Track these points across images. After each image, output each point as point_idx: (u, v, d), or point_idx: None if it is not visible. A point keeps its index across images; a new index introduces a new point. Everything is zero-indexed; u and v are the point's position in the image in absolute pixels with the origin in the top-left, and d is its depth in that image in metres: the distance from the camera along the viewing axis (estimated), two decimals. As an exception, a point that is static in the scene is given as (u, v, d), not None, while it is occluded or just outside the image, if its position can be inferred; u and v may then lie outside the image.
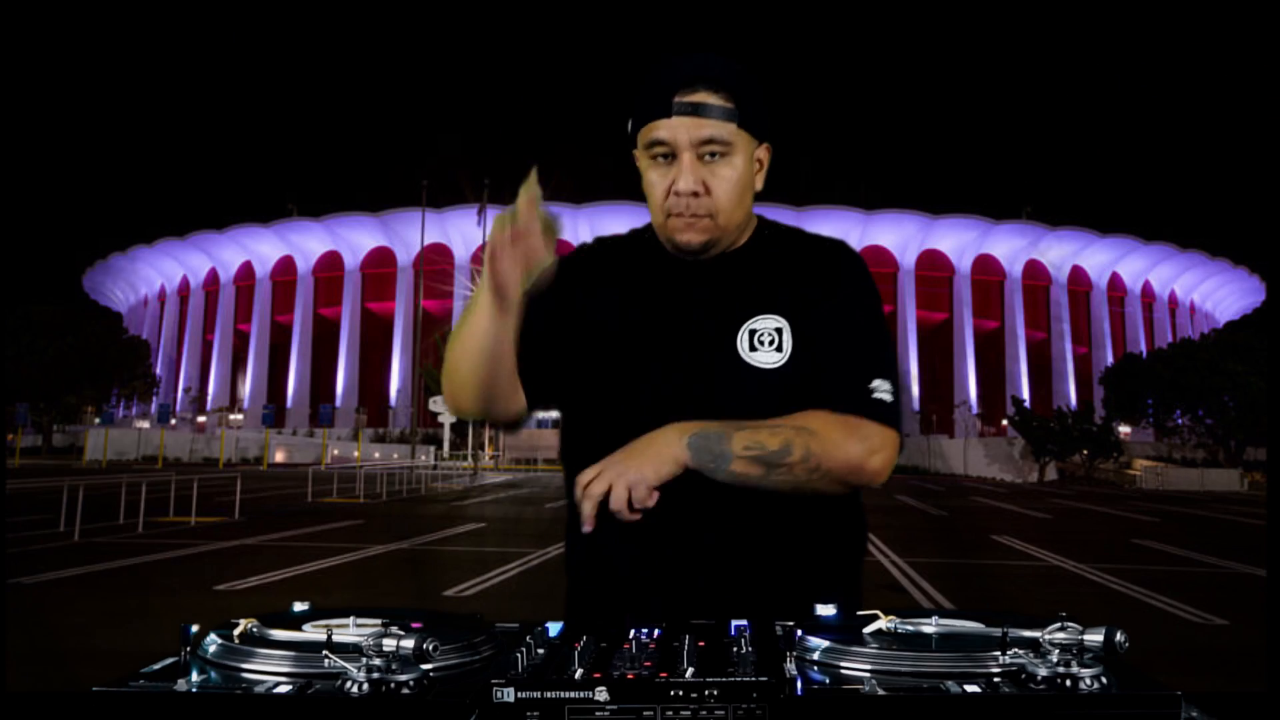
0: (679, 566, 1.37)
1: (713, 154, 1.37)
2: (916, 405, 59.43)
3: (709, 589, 1.36)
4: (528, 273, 1.29)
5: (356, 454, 42.21)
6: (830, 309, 1.41)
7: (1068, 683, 0.85)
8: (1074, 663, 0.86)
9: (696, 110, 1.36)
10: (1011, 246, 62.42)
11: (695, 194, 1.37)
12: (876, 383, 1.36)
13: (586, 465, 1.35)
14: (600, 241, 1.60)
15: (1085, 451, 44.16)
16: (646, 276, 1.47)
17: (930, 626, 1.03)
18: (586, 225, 58.64)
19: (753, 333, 1.40)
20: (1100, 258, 64.10)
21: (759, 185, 1.48)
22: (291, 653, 0.94)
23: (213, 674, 0.93)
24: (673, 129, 1.36)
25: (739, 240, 1.48)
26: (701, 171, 1.37)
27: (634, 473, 1.23)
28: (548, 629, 1.05)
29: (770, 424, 1.30)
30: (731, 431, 1.28)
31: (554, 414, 1.59)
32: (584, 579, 1.50)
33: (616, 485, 1.21)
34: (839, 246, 1.50)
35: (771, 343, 1.39)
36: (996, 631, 0.96)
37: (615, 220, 59.84)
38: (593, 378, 1.45)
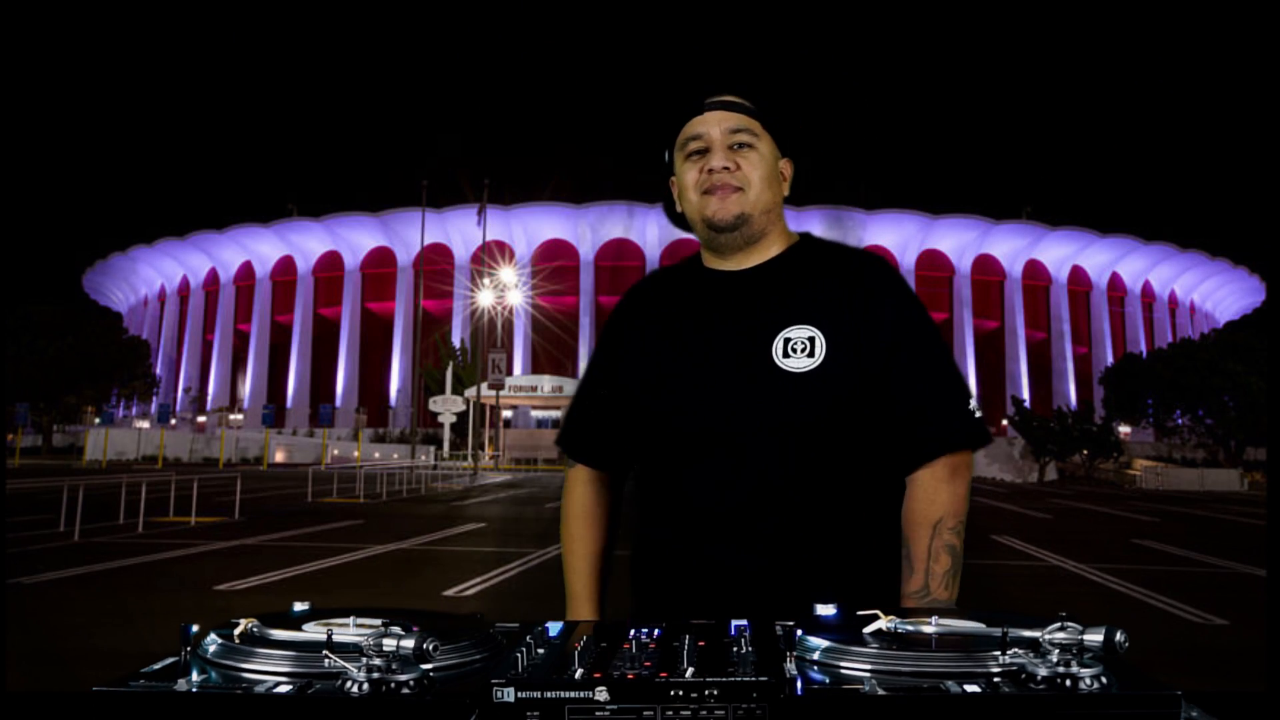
0: (741, 562, 1.45)
1: (741, 144, 1.53)
2: (916, 405, 59.38)
3: (772, 583, 1.43)
4: None
5: (356, 454, 42.21)
6: (896, 331, 1.49)
7: (1068, 683, 0.85)
8: (1074, 663, 0.86)
9: (727, 106, 1.54)
10: (1011, 246, 62.40)
11: (727, 168, 1.51)
12: (972, 404, 1.50)
13: (654, 488, 1.53)
14: (652, 276, 1.73)
15: (1085, 451, 44.15)
16: (687, 297, 1.59)
17: (930, 626, 1.03)
18: (587, 225, 58.65)
19: (786, 341, 1.47)
20: (1100, 258, 64.08)
21: (785, 192, 1.61)
22: (291, 653, 0.94)
23: (213, 674, 0.93)
24: (705, 123, 1.54)
25: (774, 246, 1.58)
26: (732, 154, 1.52)
27: None
28: (548, 629, 1.05)
29: (924, 564, 1.41)
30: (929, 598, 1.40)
31: (554, 414, 1.65)
32: (646, 577, 1.58)
33: None
34: (881, 262, 1.59)
35: (804, 350, 1.46)
36: (996, 631, 0.96)
37: (615, 220, 59.85)
38: (642, 406, 1.55)
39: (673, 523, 1.50)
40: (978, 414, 1.49)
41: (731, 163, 1.51)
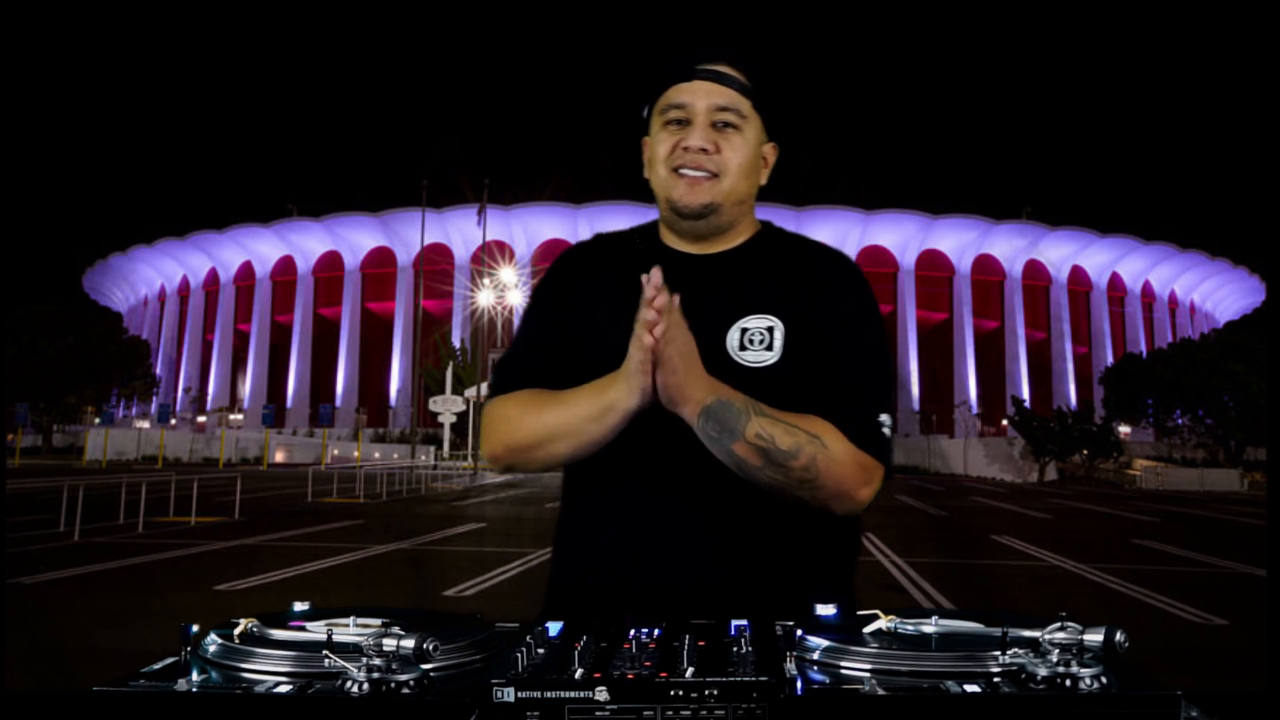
0: (669, 559, 1.35)
1: (726, 123, 1.39)
2: (916, 405, 59.42)
3: (698, 582, 1.34)
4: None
5: (356, 454, 42.21)
6: (841, 324, 1.40)
7: (1068, 683, 0.85)
8: (1074, 663, 0.86)
9: (717, 78, 1.39)
10: (1011, 246, 62.40)
11: (704, 150, 1.38)
12: (884, 417, 1.37)
13: (587, 468, 1.38)
14: (599, 239, 1.58)
15: (1085, 451, 44.16)
16: (641, 271, 1.42)
17: (930, 626, 1.03)
18: (586, 225, 58.60)
19: (743, 331, 1.38)
20: (1100, 258, 64.08)
21: (763, 180, 1.48)
22: (292, 652, 0.94)
23: (213, 674, 0.93)
24: (692, 92, 1.39)
25: (739, 235, 1.48)
26: (712, 134, 1.39)
27: (671, 366, 1.21)
28: (548, 629, 1.05)
29: (788, 420, 1.28)
30: (751, 414, 1.26)
31: None
32: (569, 568, 1.47)
33: (662, 332, 1.19)
34: (845, 259, 1.51)
35: (762, 342, 1.37)
36: (996, 631, 0.96)
37: (615, 220, 59.80)
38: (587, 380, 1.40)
39: (608, 526, 1.40)
40: (887, 430, 1.36)
41: (710, 143, 1.38)
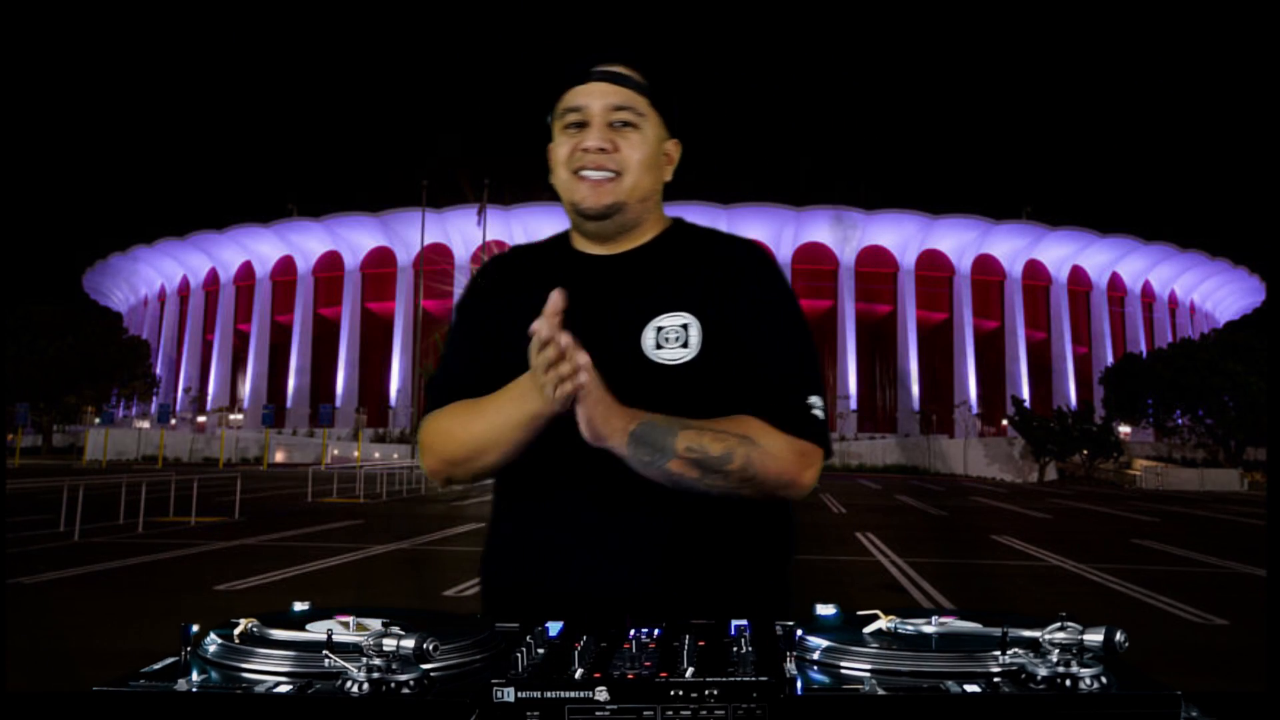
0: (598, 559, 1.35)
1: (624, 122, 1.39)
2: (916, 405, 59.43)
3: (628, 580, 1.33)
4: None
5: (356, 454, 42.21)
6: (755, 312, 1.40)
7: (1068, 683, 0.85)
8: (1074, 663, 0.86)
9: (612, 78, 1.39)
10: (1011, 246, 62.38)
11: (603, 149, 1.37)
12: (813, 399, 1.37)
13: (514, 476, 1.40)
14: (516, 251, 1.58)
15: (1085, 451, 44.16)
16: (554, 278, 1.37)
17: (930, 626, 1.03)
18: (586, 225, 58.45)
19: (659, 330, 1.38)
20: (1100, 258, 64.07)
21: (668, 177, 1.48)
22: (291, 653, 0.94)
23: (213, 674, 0.93)
24: (588, 94, 1.39)
25: (647, 232, 1.47)
26: (610, 133, 1.38)
27: (591, 400, 1.22)
28: (548, 629, 1.05)
29: (714, 427, 1.29)
30: (677, 429, 1.27)
31: None
32: (504, 568, 1.48)
33: (561, 367, 1.19)
34: (755, 247, 1.50)
35: (678, 339, 1.37)
36: (996, 631, 0.96)
37: (615, 220, 59.64)
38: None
39: (539, 526, 1.40)
40: (818, 411, 1.36)
41: (609, 142, 1.37)
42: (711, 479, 1.28)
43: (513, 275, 1.52)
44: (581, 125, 1.39)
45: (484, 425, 1.35)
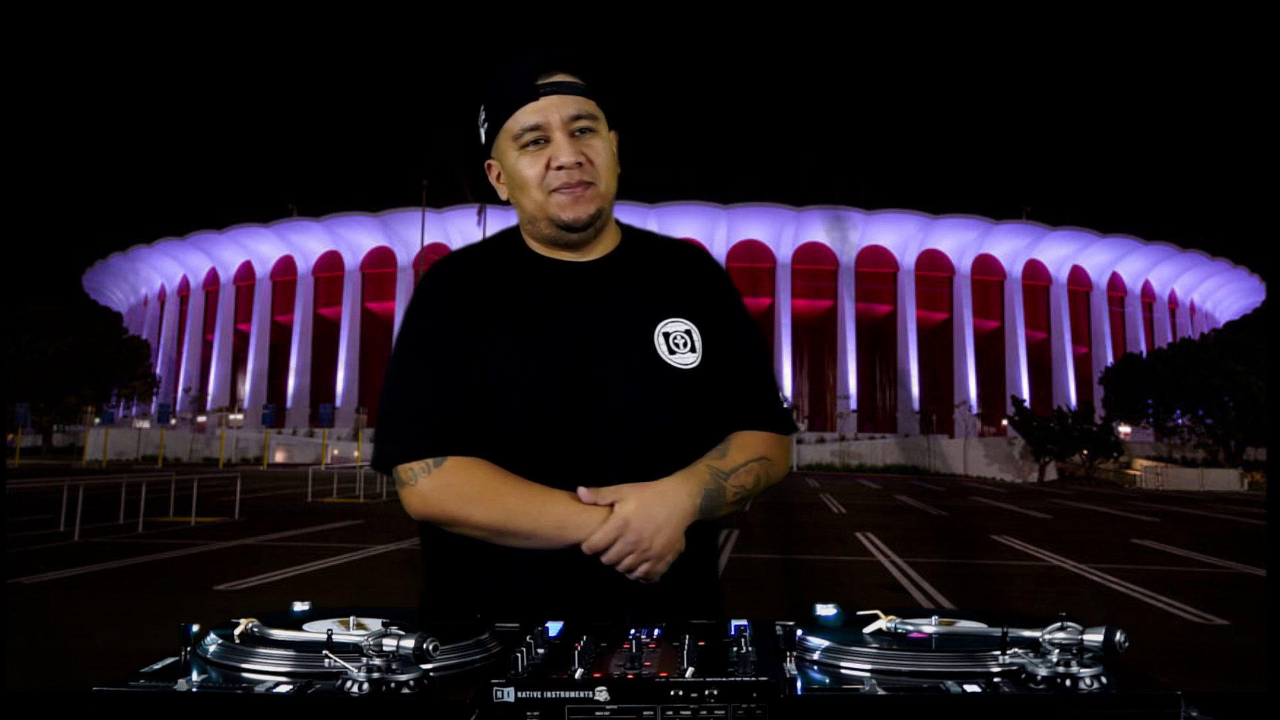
0: (536, 564, 1.33)
1: (584, 129, 1.38)
2: (916, 405, 59.43)
3: (570, 583, 1.31)
4: None
5: (356, 454, 42.20)
6: (724, 318, 1.46)
7: (1068, 683, 0.85)
8: (1074, 663, 0.86)
9: (563, 89, 1.37)
10: (1011, 246, 62.38)
11: (579, 163, 1.36)
12: (782, 394, 1.49)
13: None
14: (464, 254, 1.48)
15: (1085, 451, 44.16)
16: (534, 288, 1.40)
17: (930, 626, 1.03)
18: (586, 225, 58.43)
19: (667, 335, 1.39)
20: (1100, 258, 64.06)
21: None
22: (292, 652, 0.94)
23: (213, 674, 0.93)
24: (543, 110, 1.36)
25: (607, 237, 1.46)
26: (577, 144, 1.37)
27: (654, 549, 1.27)
28: (548, 629, 1.05)
29: (739, 459, 1.38)
30: (723, 483, 1.35)
31: None
32: (450, 571, 1.52)
33: (634, 563, 1.27)
34: (704, 252, 1.55)
35: (685, 344, 1.40)
36: (996, 631, 0.96)
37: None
38: (511, 406, 1.35)
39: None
40: (786, 404, 1.50)
41: (581, 156, 1.36)
42: (742, 502, 1.41)
43: (480, 284, 1.41)
44: (542, 141, 1.36)
45: (520, 515, 1.29)
